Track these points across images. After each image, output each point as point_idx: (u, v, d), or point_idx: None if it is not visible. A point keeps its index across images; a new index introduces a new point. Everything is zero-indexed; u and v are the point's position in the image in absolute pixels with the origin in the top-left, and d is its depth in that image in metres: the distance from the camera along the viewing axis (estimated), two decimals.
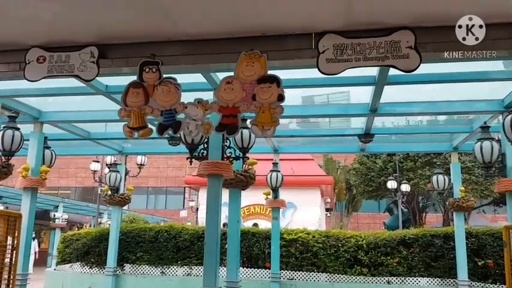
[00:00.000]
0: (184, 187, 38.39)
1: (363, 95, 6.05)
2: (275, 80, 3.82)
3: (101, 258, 9.88)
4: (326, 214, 22.68)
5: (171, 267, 9.50)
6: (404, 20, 3.70)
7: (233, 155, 4.91)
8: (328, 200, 20.11)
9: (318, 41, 3.82)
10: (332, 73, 3.85)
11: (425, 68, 4.03)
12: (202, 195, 16.37)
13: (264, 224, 13.84)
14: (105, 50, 4.21)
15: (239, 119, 3.90)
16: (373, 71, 4.86)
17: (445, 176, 8.11)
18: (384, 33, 3.74)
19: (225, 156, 4.82)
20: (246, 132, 5.01)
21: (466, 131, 6.93)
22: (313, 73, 5.04)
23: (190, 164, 5.18)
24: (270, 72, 3.83)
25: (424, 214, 26.15)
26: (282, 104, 3.80)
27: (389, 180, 19.15)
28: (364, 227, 31.34)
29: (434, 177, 8.20)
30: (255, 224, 13.92)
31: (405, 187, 18.99)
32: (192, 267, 9.36)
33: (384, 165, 23.54)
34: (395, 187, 18.94)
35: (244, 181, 5.59)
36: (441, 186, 8.06)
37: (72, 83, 5.23)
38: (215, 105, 3.92)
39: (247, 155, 5.23)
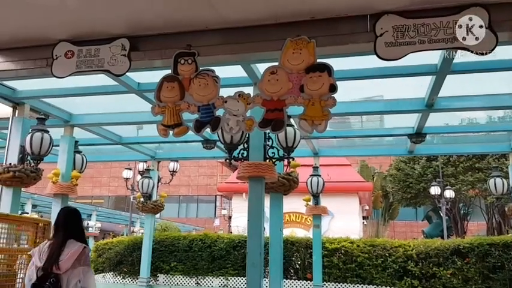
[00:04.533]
0: (216, 195, 38.25)
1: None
2: (326, 68, 3.37)
3: (134, 267, 9.59)
4: (363, 222, 21.94)
5: (206, 278, 9.11)
6: None
7: (276, 156, 4.45)
8: (367, 208, 19.36)
9: (374, 23, 3.35)
10: (392, 58, 3.37)
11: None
12: (235, 203, 15.95)
13: (301, 233, 13.29)
14: (137, 41, 3.86)
15: (285, 114, 3.44)
16: (433, 59, 4.32)
17: (504, 179, 7.40)
18: (452, 12, 3.24)
19: (267, 156, 4.38)
20: (290, 130, 4.57)
21: None
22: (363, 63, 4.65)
23: (229, 166, 4.75)
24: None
25: (465, 222, 25.07)
26: (334, 95, 3.34)
27: (433, 185, 18.25)
28: (401, 236, 30.29)
29: (491, 181, 7.49)
30: None
31: (449, 193, 18.05)
32: (229, 278, 8.93)
33: (423, 171, 22.66)
34: (439, 193, 18.01)
35: (287, 185, 5.11)
36: (499, 190, 7.35)
37: (103, 81, 4.95)
38: (258, 99, 3.48)
39: None
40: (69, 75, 3.95)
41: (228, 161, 4.40)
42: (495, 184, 7.40)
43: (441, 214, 24.92)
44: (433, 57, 4.32)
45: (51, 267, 3.19)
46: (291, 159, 4.68)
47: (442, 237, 20.41)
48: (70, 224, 3.45)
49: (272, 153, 4.43)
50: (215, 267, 9.09)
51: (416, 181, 23.01)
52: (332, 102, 3.34)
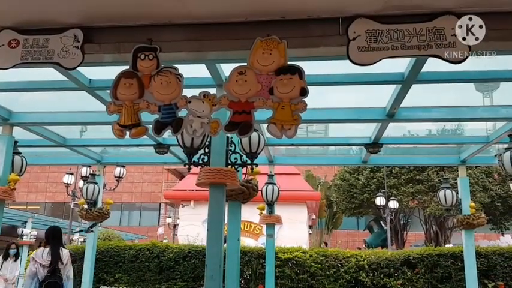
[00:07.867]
0: (160, 203, 37.30)
1: None
2: (297, 70, 3.20)
3: (75, 279, 8.93)
4: (308, 231, 22.14)
5: None
6: (448, 3, 3.15)
7: (239, 162, 4.23)
8: (313, 217, 19.51)
9: (347, 26, 3.24)
10: (365, 63, 3.25)
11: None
12: (183, 211, 15.48)
13: (250, 242, 13.08)
14: (92, 33, 3.51)
15: (253, 117, 3.24)
16: (400, 68, 4.29)
17: (453, 191, 7.57)
18: (424, 19, 3.19)
19: (229, 162, 4.16)
20: (254, 134, 4.37)
21: (481, 142, 6.40)
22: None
23: (189, 172, 4.47)
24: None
25: (405, 232, 25.96)
26: (304, 99, 3.19)
27: (378, 196, 18.71)
28: (343, 245, 30.90)
29: (441, 192, 7.63)
30: None
31: (393, 203, 18.56)
32: None
33: (366, 182, 23.25)
34: (384, 203, 18.49)
35: (246, 193, 4.89)
36: (449, 202, 7.51)
37: (49, 76, 4.55)
38: (224, 100, 3.25)
39: None
40: (13, 66, 3.54)
41: (187, 166, 4.12)
42: (445, 196, 7.54)
43: (382, 224, 25.67)
44: (398, 66, 4.29)
45: (56, 264, 5.50)
46: (254, 166, 4.48)
47: (382, 247, 20.97)
48: (59, 237, 6.05)
49: (235, 158, 4.21)
50: (163, 278, 8.66)
51: (360, 191, 23.58)
52: (302, 106, 3.18)
